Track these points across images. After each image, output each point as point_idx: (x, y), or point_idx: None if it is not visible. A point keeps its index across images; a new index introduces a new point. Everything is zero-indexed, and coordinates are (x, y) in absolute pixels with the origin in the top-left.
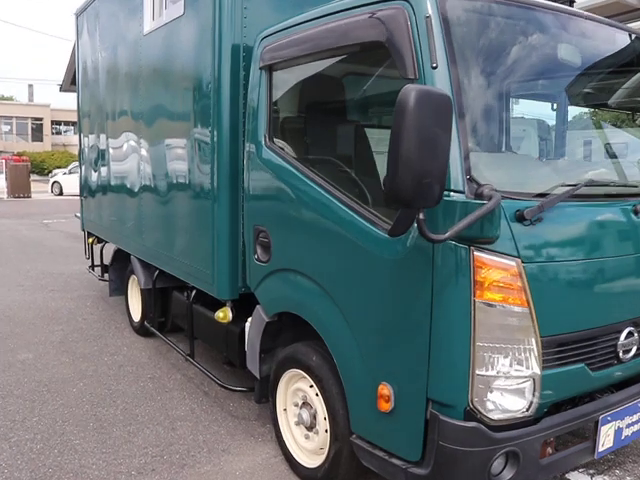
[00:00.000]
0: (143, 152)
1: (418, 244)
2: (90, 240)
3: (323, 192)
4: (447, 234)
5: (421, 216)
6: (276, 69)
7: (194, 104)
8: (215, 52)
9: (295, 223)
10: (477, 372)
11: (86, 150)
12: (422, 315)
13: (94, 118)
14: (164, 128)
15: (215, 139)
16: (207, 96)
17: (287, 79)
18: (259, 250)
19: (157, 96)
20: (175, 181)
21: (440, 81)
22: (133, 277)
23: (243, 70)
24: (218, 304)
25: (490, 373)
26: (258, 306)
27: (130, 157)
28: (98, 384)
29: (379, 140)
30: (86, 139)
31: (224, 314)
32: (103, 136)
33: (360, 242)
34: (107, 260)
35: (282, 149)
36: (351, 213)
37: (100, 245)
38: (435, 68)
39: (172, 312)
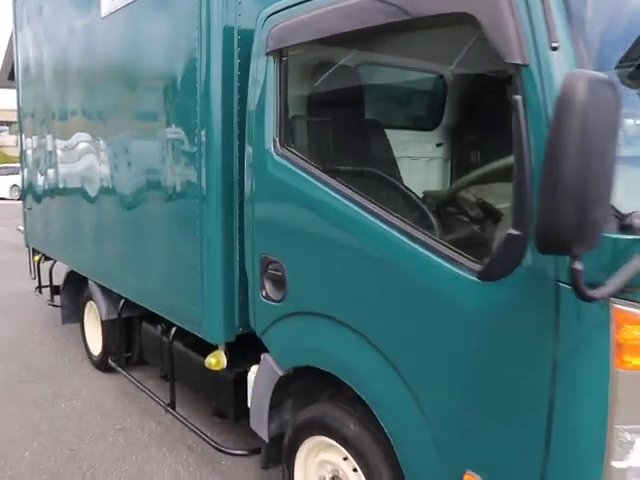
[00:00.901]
0: (105, 159)
1: (527, 290)
2: (36, 258)
3: (368, 215)
4: (608, 288)
5: (578, 266)
6: (290, 55)
7: (172, 100)
8: (202, 37)
9: (324, 254)
10: (612, 464)
11: (29, 153)
12: (536, 387)
13: (39, 118)
14: (132, 130)
15: (203, 143)
16: (191, 90)
17: (307, 67)
18: (268, 286)
19: (120, 92)
20: (146, 193)
21: (563, 68)
22: (91, 304)
23: (238, 58)
24: (205, 343)
25: (627, 464)
26: (267, 355)
27: (88, 164)
28: (56, 443)
29: (450, 148)
30: (29, 140)
31: (217, 360)
32: (52, 139)
33: (430, 284)
34: (58, 279)
35: (301, 158)
36: (414, 245)
37: (49, 263)
38: (556, 49)
39: (142, 346)
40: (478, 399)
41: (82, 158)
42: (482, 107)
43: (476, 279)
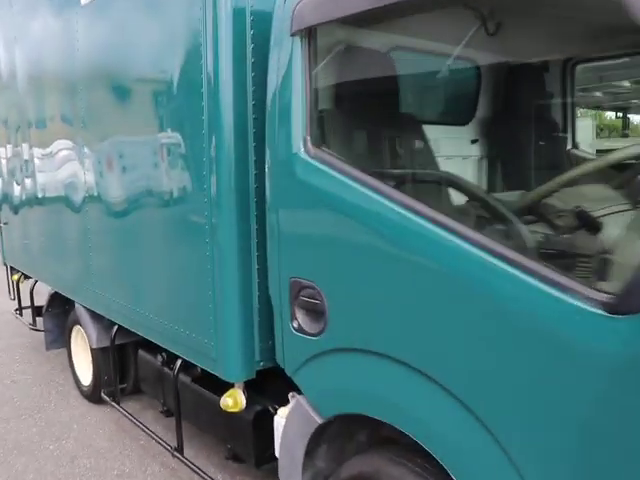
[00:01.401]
0: (93, 168)
1: None
2: (15, 277)
3: (438, 229)
4: None
5: None
6: (322, 35)
7: (171, 96)
8: (207, 18)
9: (377, 278)
10: None
11: (3, 162)
12: None
13: (14, 124)
14: (123, 134)
15: (211, 146)
16: (195, 82)
17: (345, 50)
18: (301, 315)
19: (109, 91)
20: (144, 206)
21: None
22: (78, 328)
23: (252, 41)
24: (218, 377)
25: None
26: (300, 398)
27: (73, 175)
28: None
29: (487, 145)
30: (2, 150)
31: (234, 401)
32: (30, 148)
33: (532, 318)
34: (40, 299)
35: (341, 159)
36: (505, 266)
37: (30, 282)
38: None
39: (138, 375)
40: (611, 468)
41: (66, 168)
42: (522, 98)
43: (600, 311)
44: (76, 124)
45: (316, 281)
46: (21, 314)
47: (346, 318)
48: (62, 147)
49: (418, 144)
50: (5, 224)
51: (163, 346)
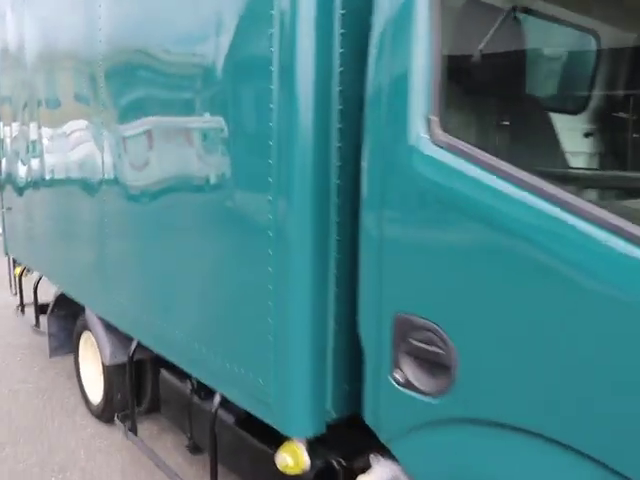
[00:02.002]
0: (113, 154)
1: None
2: (18, 270)
3: None
4: None
5: None
6: None
7: (225, 61)
8: None
9: (550, 327)
10: None
11: (8, 141)
12: None
13: (24, 103)
14: (158, 115)
15: (284, 129)
16: (260, 46)
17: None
18: (410, 367)
19: (135, 62)
20: (177, 202)
21: None
22: (87, 335)
23: None
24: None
25: None
26: (397, 471)
27: (93, 161)
28: None
29: (602, 141)
30: (7, 129)
31: (295, 460)
32: (39, 128)
33: None
34: (44, 293)
35: (488, 151)
36: None
37: (34, 276)
38: None
39: (158, 397)
40: None
41: (81, 151)
42: None
43: None
44: (94, 102)
45: (441, 322)
46: (23, 312)
47: (487, 379)
48: (79, 127)
49: (555, 135)
50: (9, 209)
51: (200, 380)
